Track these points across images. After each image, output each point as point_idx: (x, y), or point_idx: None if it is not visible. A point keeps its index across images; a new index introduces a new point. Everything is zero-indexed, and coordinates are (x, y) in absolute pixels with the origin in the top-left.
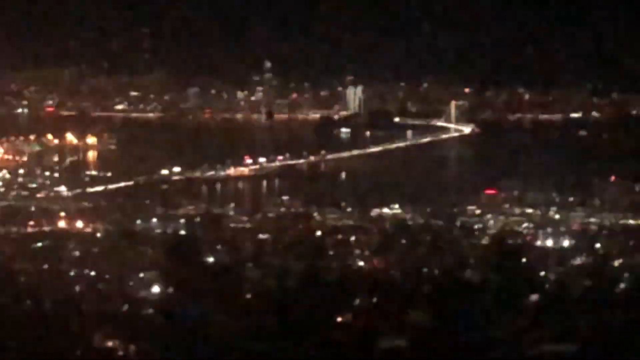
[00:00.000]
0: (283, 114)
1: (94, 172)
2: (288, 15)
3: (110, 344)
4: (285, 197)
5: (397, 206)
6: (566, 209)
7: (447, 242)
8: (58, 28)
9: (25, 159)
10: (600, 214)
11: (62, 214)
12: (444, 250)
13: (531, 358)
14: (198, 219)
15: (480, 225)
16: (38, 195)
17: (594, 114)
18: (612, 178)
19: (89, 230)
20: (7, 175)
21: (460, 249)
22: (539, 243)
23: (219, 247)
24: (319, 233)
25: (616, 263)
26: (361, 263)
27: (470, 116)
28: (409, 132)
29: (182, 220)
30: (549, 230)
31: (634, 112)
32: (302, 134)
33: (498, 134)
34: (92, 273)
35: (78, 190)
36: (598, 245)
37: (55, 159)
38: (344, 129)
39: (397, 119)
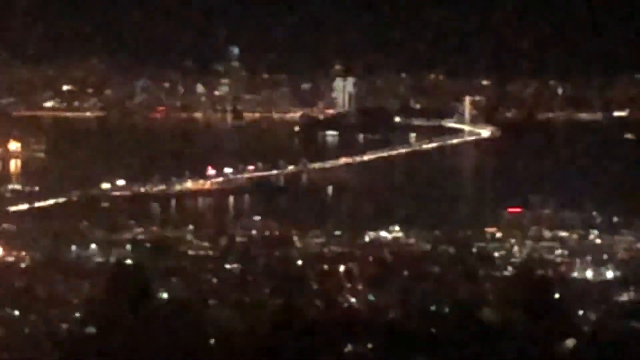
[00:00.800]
0: (254, 112)
1: (17, 186)
2: None
3: None
4: (257, 217)
5: (397, 228)
6: (610, 232)
7: (460, 274)
8: None
9: None
10: None
11: None
12: (456, 284)
13: None
14: (148, 245)
15: (502, 253)
16: None
17: None
18: None
19: (10, 259)
20: None
21: (476, 282)
22: (575, 275)
23: (174, 280)
24: (299, 262)
25: None
26: (353, 300)
27: (489, 115)
28: (412, 136)
29: (128, 247)
30: (588, 258)
31: None
32: (278, 138)
33: (524, 138)
34: (15, 313)
35: None
36: None
37: None
38: (330, 132)
39: (397, 119)
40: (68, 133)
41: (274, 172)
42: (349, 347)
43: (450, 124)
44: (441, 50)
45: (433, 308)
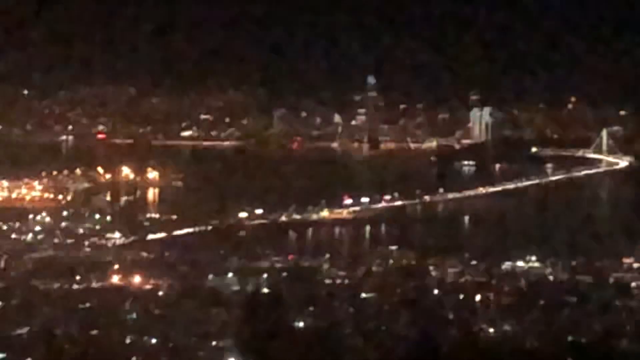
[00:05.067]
0: (391, 142)
1: (155, 215)
2: (399, 17)
3: None
4: (393, 247)
5: (534, 258)
6: None
7: (597, 304)
8: (112, 39)
9: (69, 198)
10: None
11: (116, 266)
12: (593, 313)
13: None
14: (284, 274)
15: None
16: (86, 244)
17: None
18: None
19: (148, 287)
20: (48, 219)
21: (614, 312)
22: None
23: (310, 309)
24: (436, 292)
25: None
26: (490, 330)
27: (627, 146)
28: (549, 166)
29: (265, 276)
30: None
31: None
32: (414, 168)
33: None
34: (153, 341)
35: (135, 237)
36: None
37: (108, 198)
38: (467, 162)
39: (534, 149)
40: (205, 162)
41: (411, 201)
42: None
43: (588, 154)
44: (579, 80)
45: (570, 339)
